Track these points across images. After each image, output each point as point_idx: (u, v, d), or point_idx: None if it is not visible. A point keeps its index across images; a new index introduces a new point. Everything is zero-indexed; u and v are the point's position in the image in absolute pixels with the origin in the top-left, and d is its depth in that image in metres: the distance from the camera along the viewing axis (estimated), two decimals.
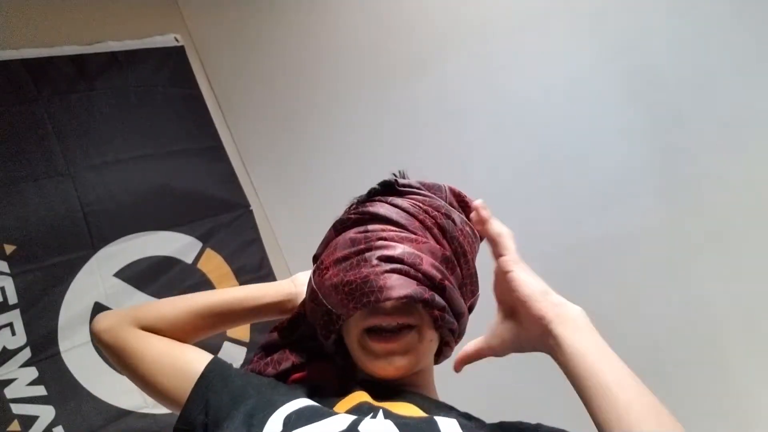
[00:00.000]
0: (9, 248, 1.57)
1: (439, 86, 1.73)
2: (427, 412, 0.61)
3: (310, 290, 0.68)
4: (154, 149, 1.91)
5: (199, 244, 1.90)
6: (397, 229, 0.66)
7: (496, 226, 0.63)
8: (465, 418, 0.62)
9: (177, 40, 2.09)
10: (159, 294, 1.77)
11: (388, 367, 0.64)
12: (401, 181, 0.72)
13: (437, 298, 0.63)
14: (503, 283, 0.60)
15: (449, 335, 0.71)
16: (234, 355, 1.81)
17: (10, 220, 1.59)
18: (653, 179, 1.42)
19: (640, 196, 1.44)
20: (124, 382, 0.76)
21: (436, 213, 0.69)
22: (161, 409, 1.26)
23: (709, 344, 1.35)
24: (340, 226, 0.70)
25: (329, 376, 0.72)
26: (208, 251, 1.91)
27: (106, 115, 1.85)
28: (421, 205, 0.69)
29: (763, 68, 1.27)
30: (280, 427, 0.56)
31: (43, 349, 1.55)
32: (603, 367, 0.52)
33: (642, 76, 1.41)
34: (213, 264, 1.91)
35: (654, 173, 1.42)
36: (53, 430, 1.50)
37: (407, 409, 0.61)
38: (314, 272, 0.69)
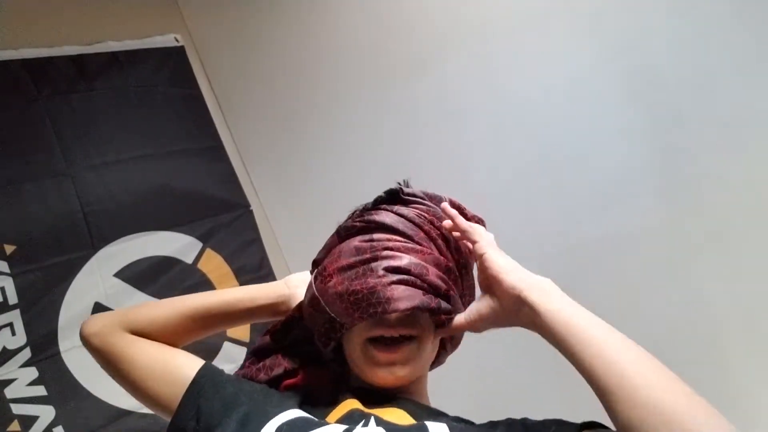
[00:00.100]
0: (9, 248, 1.57)
1: (439, 86, 1.73)
2: (417, 419, 0.61)
3: (311, 296, 0.68)
4: (154, 149, 1.91)
5: (199, 244, 1.90)
6: (402, 239, 0.66)
7: (465, 221, 0.67)
8: (455, 422, 0.62)
9: (177, 40, 2.09)
10: (159, 294, 1.77)
11: (389, 377, 0.65)
12: (406, 190, 0.72)
13: (443, 304, 0.64)
14: (480, 267, 0.63)
15: (448, 342, 0.72)
16: (234, 355, 1.81)
17: (10, 220, 1.59)
18: (653, 179, 1.42)
19: (640, 196, 1.44)
20: None
21: (440, 224, 0.70)
22: None
23: (709, 344, 1.35)
24: (344, 233, 0.69)
25: (322, 382, 0.71)
26: (208, 251, 1.91)
27: (106, 115, 1.85)
28: (426, 215, 0.69)
29: (763, 68, 1.27)
30: None
31: (43, 349, 1.55)
32: (581, 321, 0.55)
33: (642, 76, 1.41)
34: (213, 264, 1.91)
35: (654, 173, 1.42)
36: (53, 430, 1.50)
37: (398, 416, 0.62)
38: (315, 278, 0.68)
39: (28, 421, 1.47)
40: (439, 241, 0.68)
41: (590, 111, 1.49)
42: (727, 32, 1.30)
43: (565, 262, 1.49)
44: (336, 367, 0.72)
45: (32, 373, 1.52)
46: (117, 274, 1.72)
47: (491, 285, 0.63)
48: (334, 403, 0.65)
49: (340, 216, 0.75)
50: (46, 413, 1.50)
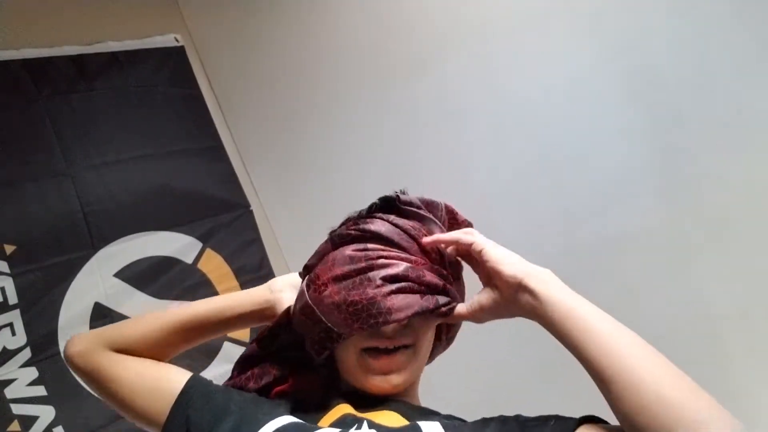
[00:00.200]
0: (9, 248, 1.57)
1: (439, 86, 1.73)
2: (410, 419, 0.62)
3: (304, 304, 0.67)
4: (154, 149, 1.91)
5: (199, 244, 1.90)
6: (397, 250, 0.66)
7: (450, 235, 0.68)
8: (447, 420, 0.63)
9: (177, 40, 2.09)
10: (159, 294, 1.77)
11: (384, 385, 0.65)
12: (403, 197, 0.71)
13: (442, 299, 0.64)
14: (480, 261, 0.64)
15: (443, 335, 0.73)
16: (234, 355, 1.80)
17: (10, 220, 1.59)
18: (653, 179, 1.42)
19: (640, 196, 1.44)
20: None
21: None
22: None
23: (709, 344, 1.35)
24: (338, 241, 0.68)
25: (313, 387, 0.71)
26: (208, 251, 1.91)
27: (106, 115, 1.85)
28: (422, 230, 0.69)
29: (763, 68, 1.27)
30: None
31: (44, 349, 1.55)
32: (583, 311, 0.56)
33: (642, 76, 1.41)
34: (213, 264, 1.91)
35: (654, 173, 1.42)
36: (53, 430, 1.50)
37: (390, 418, 0.62)
38: (308, 286, 0.68)
39: (28, 421, 1.47)
40: (434, 255, 0.68)
41: (590, 111, 1.49)
42: (727, 32, 1.30)
43: (565, 262, 1.48)
44: (326, 372, 0.71)
45: (32, 373, 1.52)
46: (117, 274, 1.72)
47: (492, 277, 0.63)
48: (325, 408, 0.65)
49: (340, 216, 0.75)
50: (46, 413, 1.50)
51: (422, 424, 0.58)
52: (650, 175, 1.43)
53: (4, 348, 1.51)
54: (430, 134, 1.75)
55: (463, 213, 0.77)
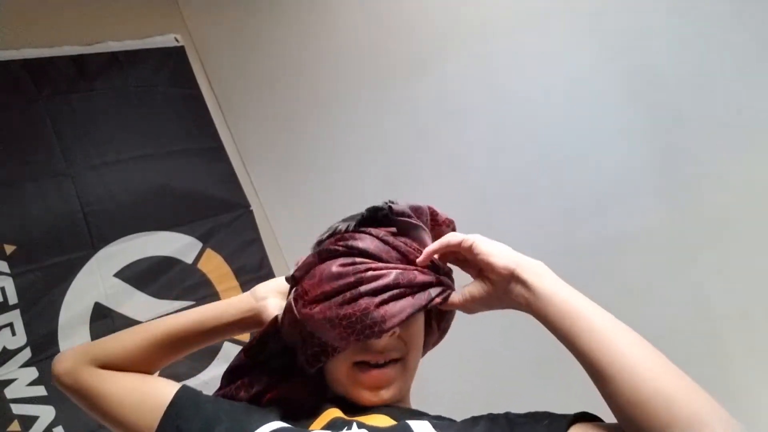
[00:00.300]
0: (9, 248, 1.57)
1: (439, 86, 1.73)
2: (399, 420, 0.62)
3: (293, 320, 0.66)
4: (154, 149, 1.91)
5: (199, 244, 1.90)
6: (385, 262, 0.65)
7: (436, 244, 0.66)
8: (437, 419, 0.63)
9: (177, 40, 2.09)
10: (159, 294, 1.77)
11: (374, 399, 0.65)
12: (396, 208, 0.69)
13: (434, 291, 0.64)
14: (471, 255, 0.63)
15: (435, 328, 0.74)
16: (234, 355, 1.80)
17: (10, 220, 1.60)
18: (653, 179, 1.42)
19: (640, 196, 1.44)
20: None
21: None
22: None
23: (709, 344, 1.35)
24: (326, 255, 0.67)
25: (302, 394, 0.71)
26: (208, 251, 1.91)
27: (106, 115, 1.85)
28: (412, 243, 0.67)
29: (763, 68, 1.27)
30: None
31: (44, 349, 1.55)
32: (578, 304, 0.56)
33: (642, 76, 1.41)
34: (213, 264, 1.91)
35: (654, 173, 1.42)
36: (53, 430, 1.50)
37: (380, 420, 0.62)
38: (296, 300, 0.67)
39: (28, 421, 1.47)
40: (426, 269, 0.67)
41: (590, 111, 1.49)
42: (727, 32, 1.30)
43: (565, 262, 1.48)
44: (315, 379, 0.71)
45: (32, 373, 1.52)
46: (117, 274, 1.72)
47: (483, 270, 0.63)
48: (315, 413, 0.65)
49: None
50: (46, 413, 1.50)
51: (412, 423, 0.59)
52: (650, 175, 1.43)
53: (4, 348, 1.51)
54: (430, 134, 1.75)
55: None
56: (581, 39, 1.49)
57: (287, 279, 0.73)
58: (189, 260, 1.86)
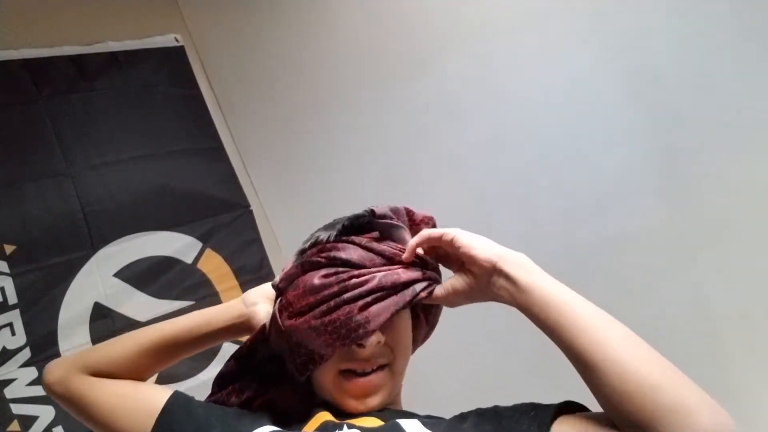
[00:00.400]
0: (9, 248, 1.57)
1: (439, 86, 1.73)
2: (389, 420, 0.62)
3: (278, 331, 0.66)
4: (154, 149, 1.91)
5: (199, 244, 1.90)
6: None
7: (416, 239, 0.66)
8: (426, 418, 0.64)
9: (177, 40, 2.09)
10: (159, 294, 1.77)
11: (361, 407, 0.65)
12: (378, 211, 0.68)
13: (419, 286, 0.64)
14: (452, 249, 0.63)
15: (423, 324, 0.74)
16: None
17: (10, 220, 1.60)
18: (653, 179, 1.42)
19: (640, 196, 1.44)
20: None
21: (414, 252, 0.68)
22: None
23: (709, 344, 1.35)
24: (308, 267, 0.66)
25: (293, 400, 0.71)
26: (208, 251, 1.91)
27: (106, 115, 1.85)
28: (396, 245, 0.67)
29: (763, 68, 1.27)
30: None
31: (43, 349, 1.55)
32: (563, 296, 0.55)
33: (642, 76, 1.41)
34: (213, 264, 1.91)
35: (654, 173, 1.42)
36: (53, 430, 1.50)
37: (371, 422, 0.62)
38: (280, 311, 0.67)
39: (28, 421, 1.47)
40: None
41: (590, 111, 1.49)
42: (727, 32, 1.30)
43: (565, 262, 1.48)
44: (305, 384, 0.71)
45: (32, 373, 1.52)
46: (117, 274, 1.72)
47: (465, 263, 0.63)
48: (306, 417, 0.65)
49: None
50: (46, 413, 1.50)
51: (402, 422, 0.59)
52: (650, 175, 1.43)
53: (4, 348, 1.51)
54: (430, 134, 1.75)
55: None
56: (581, 39, 1.49)
57: (273, 286, 0.72)
58: (189, 260, 1.86)
